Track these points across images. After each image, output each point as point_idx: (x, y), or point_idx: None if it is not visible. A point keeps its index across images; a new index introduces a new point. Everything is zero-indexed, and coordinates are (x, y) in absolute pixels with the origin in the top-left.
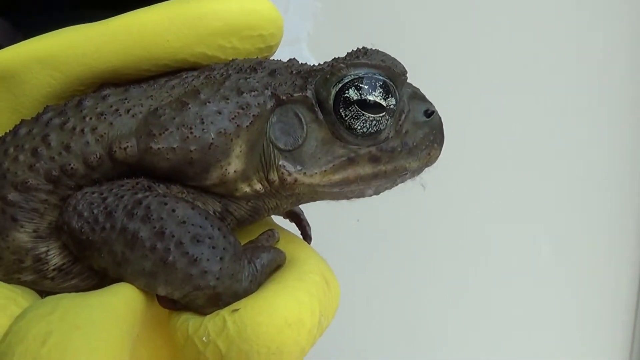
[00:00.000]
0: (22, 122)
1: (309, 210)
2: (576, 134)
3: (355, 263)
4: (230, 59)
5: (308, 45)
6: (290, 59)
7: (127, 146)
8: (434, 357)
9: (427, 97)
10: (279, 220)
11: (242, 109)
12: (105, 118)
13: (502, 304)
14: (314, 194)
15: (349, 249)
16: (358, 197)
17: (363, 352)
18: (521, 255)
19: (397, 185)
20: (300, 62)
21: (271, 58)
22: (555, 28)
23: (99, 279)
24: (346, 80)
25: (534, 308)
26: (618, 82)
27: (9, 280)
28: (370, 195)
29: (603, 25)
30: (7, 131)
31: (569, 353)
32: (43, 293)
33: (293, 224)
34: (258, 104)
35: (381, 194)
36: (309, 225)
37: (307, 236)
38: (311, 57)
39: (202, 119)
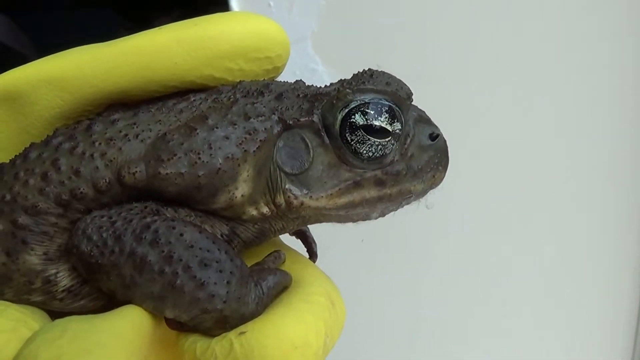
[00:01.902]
0: (32, 145)
1: (315, 229)
2: (579, 138)
3: (360, 282)
4: (238, 80)
5: (312, 44)
6: (296, 81)
7: (136, 171)
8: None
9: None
10: (285, 237)
11: (249, 134)
12: (114, 143)
13: (509, 321)
14: (320, 217)
15: (354, 268)
16: (363, 219)
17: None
18: (526, 265)
19: (402, 207)
20: (306, 84)
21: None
22: (564, 45)
23: (107, 300)
24: (352, 106)
25: (539, 313)
26: (622, 86)
27: (18, 301)
28: (376, 218)
29: (609, 28)
30: (17, 154)
31: (574, 356)
32: (52, 313)
33: (299, 241)
34: (265, 129)
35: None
36: (314, 242)
37: (312, 254)
38: (315, 56)
39: (210, 145)
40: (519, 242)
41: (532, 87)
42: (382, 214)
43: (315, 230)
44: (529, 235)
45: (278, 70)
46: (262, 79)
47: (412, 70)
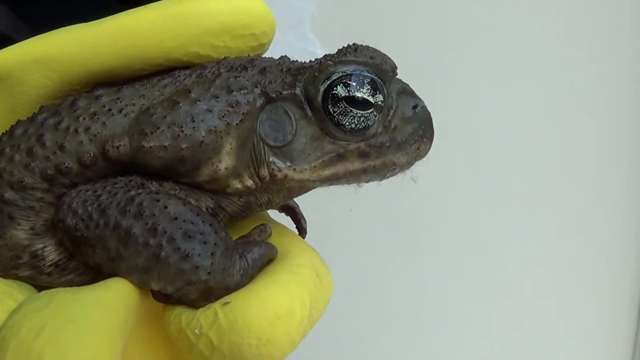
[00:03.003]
0: (18, 122)
1: (302, 199)
2: (582, 124)
3: (348, 252)
4: (223, 57)
5: (312, 27)
6: (282, 56)
7: (120, 145)
8: (427, 347)
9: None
10: (274, 214)
11: (232, 107)
12: (98, 118)
13: (498, 292)
14: (305, 188)
15: (342, 238)
16: (349, 185)
17: (354, 342)
18: (524, 245)
19: (386, 178)
20: (291, 60)
21: (264, 55)
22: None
23: (94, 275)
24: (334, 78)
25: (536, 300)
26: (624, 76)
27: (6, 275)
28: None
29: (612, 19)
30: (4, 132)
31: (574, 349)
32: (40, 288)
33: (288, 217)
34: (247, 101)
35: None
36: (304, 218)
37: (302, 230)
38: (314, 39)
39: (193, 118)
40: (520, 227)
41: (534, 69)
42: (367, 182)
43: (303, 203)
44: (531, 218)
45: (263, 46)
46: (248, 55)
47: (412, 51)
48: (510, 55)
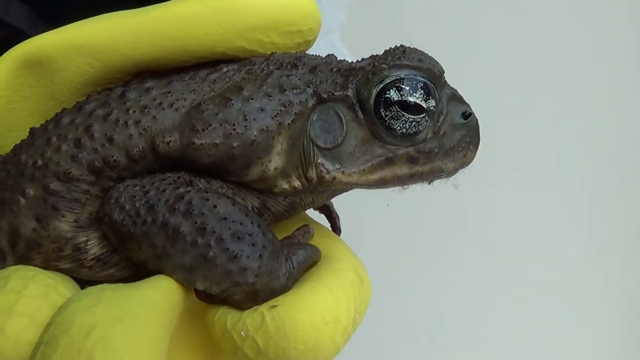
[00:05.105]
0: (64, 111)
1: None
2: (602, 132)
3: (384, 248)
4: (269, 52)
5: (340, 36)
6: (328, 55)
7: (170, 140)
8: (461, 345)
9: (463, 92)
10: (308, 211)
11: (285, 106)
12: (148, 111)
13: (529, 293)
14: (349, 189)
15: (379, 234)
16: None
17: (391, 340)
18: (548, 249)
19: (431, 183)
20: (338, 59)
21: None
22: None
23: (136, 269)
24: (388, 81)
25: (559, 304)
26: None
27: (47, 267)
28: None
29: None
30: (49, 119)
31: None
32: (80, 281)
33: (322, 215)
34: (300, 101)
35: None
36: (338, 217)
37: (336, 228)
38: (343, 48)
39: (245, 116)
40: (543, 231)
41: (562, 79)
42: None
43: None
44: (553, 225)
45: (309, 43)
46: (294, 52)
47: (442, 62)
48: (548, 66)
